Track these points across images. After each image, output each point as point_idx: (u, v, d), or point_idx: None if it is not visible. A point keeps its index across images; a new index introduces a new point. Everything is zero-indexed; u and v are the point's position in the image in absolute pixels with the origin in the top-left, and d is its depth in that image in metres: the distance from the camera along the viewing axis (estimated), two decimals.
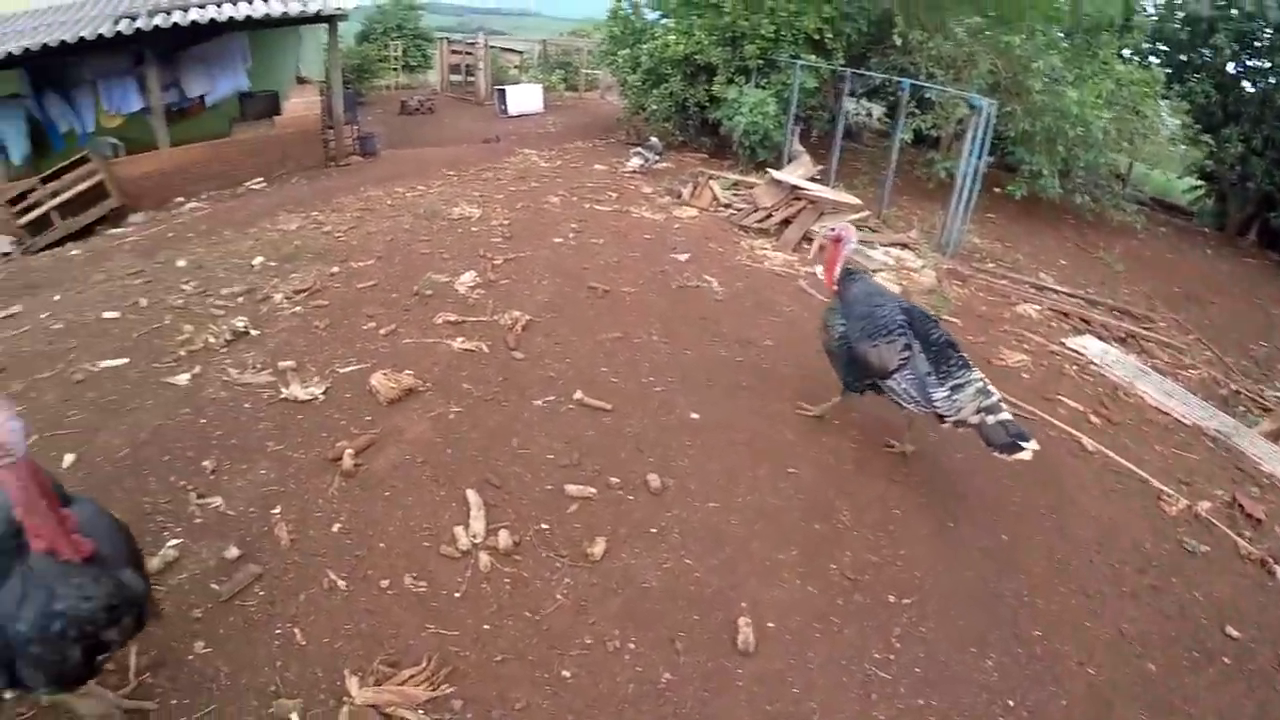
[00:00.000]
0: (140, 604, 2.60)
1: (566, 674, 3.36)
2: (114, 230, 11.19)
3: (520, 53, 28.46)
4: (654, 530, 4.23)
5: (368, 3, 27.13)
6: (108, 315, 6.62)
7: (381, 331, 6.09)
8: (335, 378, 5.40)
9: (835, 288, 5.02)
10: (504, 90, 20.90)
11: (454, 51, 25.96)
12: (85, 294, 7.40)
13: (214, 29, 12.65)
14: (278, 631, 3.45)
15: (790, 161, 12.58)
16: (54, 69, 13.04)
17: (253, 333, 6.08)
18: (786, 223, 10.12)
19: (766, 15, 13.04)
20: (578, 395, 5.32)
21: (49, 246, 11.11)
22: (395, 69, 26.75)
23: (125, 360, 5.76)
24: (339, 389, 5.28)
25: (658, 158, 12.82)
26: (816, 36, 13.29)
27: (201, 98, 14.01)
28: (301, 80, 15.66)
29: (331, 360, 5.63)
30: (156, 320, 6.41)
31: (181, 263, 7.93)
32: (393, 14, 27.28)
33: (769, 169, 11.71)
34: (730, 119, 13.20)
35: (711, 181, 11.77)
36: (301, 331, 6.11)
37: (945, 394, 4.54)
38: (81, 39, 11.44)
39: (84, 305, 7.01)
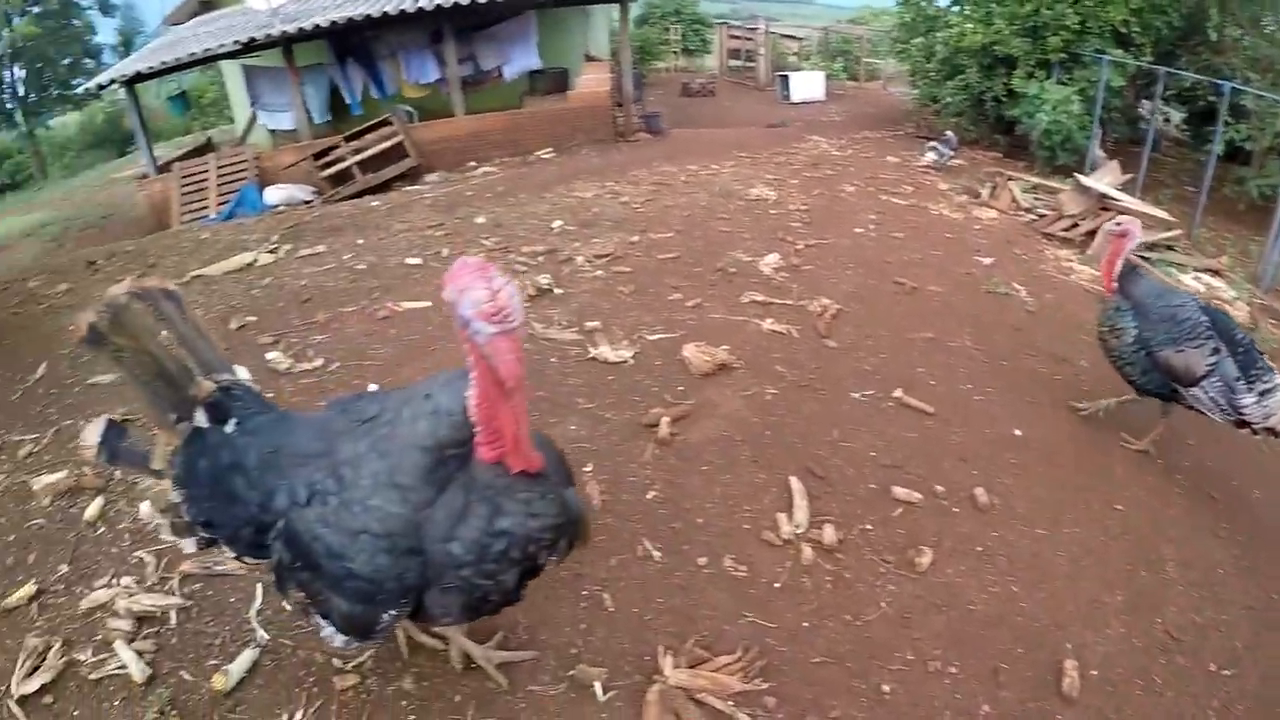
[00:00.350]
0: (579, 526, 2.36)
1: (885, 689, 3.02)
2: (411, 187, 11.76)
3: (799, 39, 27.78)
4: (980, 549, 3.78)
5: None
6: (410, 261, 6.84)
7: (688, 304, 5.83)
8: (644, 344, 5.19)
9: (1114, 286, 4.54)
10: (786, 76, 20.46)
11: (733, 36, 25.77)
12: (387, 240, 7.71)
13: (508, 7, 13.27)
14: (584, 593, 3.25)
15: (1093, 168, 11.57)
16: (357, 41, 14.02)
17: (556, 291, 6.02)
18: (1093, 234, 9.15)
19: (1070, 4, 11.95)
20: (898, 394, 4.85)
21: (349, 198, 11.87)
22: (674, 52, 26.92)
23: (428, 304, 5.88)
24: (648, 355, 5.07)
25: (952, 153, 11.98)
26: (1123, 29, 12.04)
27: (497, 70, 14.58)
28: (590, 58, 15.85)
29: (638, 326, 5.44)
30: None
31: (480, 220, 8.08)
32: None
33: (1076, 175, 10.69)
34: (1030, 117, 12.16)
35: (1011, 183, 10.98)
36: (606, 295, 5.97)
37: (1254, 400, 4.16)
38: (385, 14, 12.31)
39: (386, 250, 7.28)
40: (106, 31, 32.60)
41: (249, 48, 13.07)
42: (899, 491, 4.00)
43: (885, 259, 7.19)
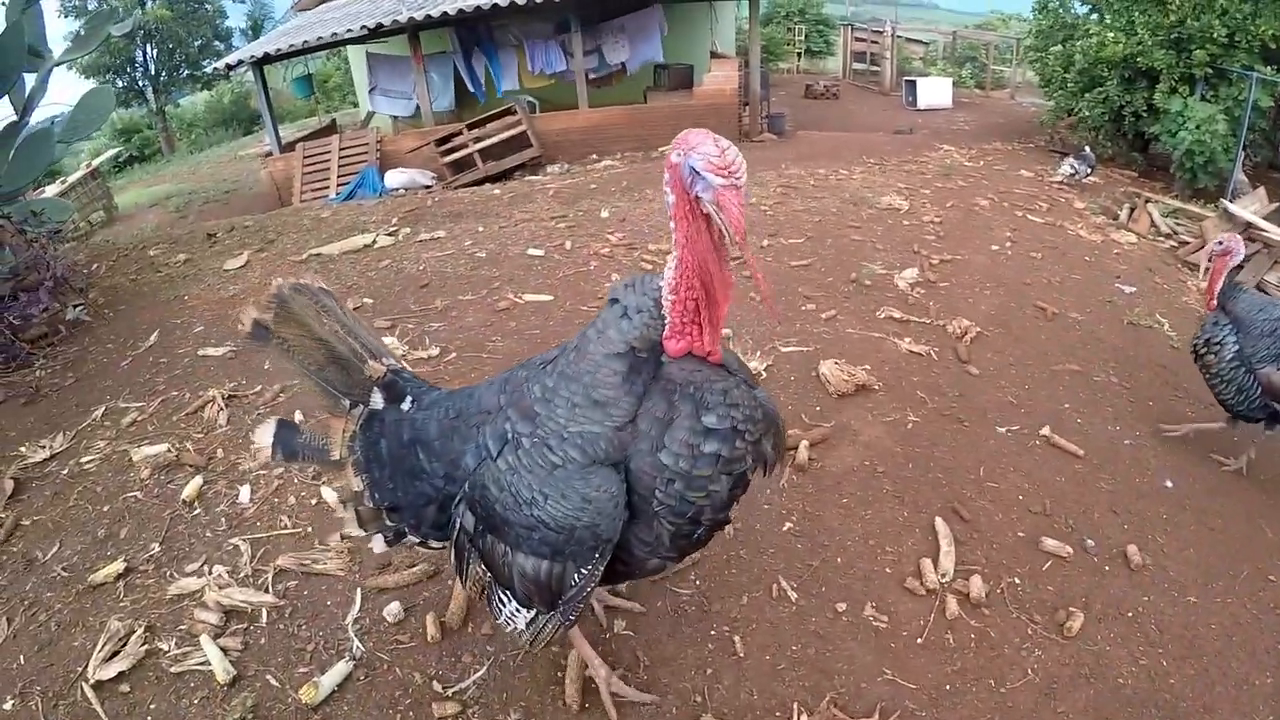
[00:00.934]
0: (778, 427, 2.19)
1: None
2: (532, 177, 11.68)
3: (925, 44, 27.17)
4: (1130, 614, 3.45)
5: None
6: (533, 252, 6.75)
7: (822, 316, 5.57)
8: (777, 356, 4.97)
9: (1214, 304, 4.38)
10: (914, 82, 19.87)
11: (858, 39, 25.20)
12: (508, 229, 7.63)
13: (636, 1, 13.10)
14: (712, 633, 3.04)
15: (1235, 192, 10.96)
16: (482, 30, 14.18)
17: None
18: (1240, 268, 8.55)
19: (1218, 16, 11.14)
20: (1045, 431, 4.51)
21: (469, 185, 11.93)
22: (798, 53, 26.53)
23: (550, 297, 5.80)
24: (782, 369, 4.84)
25: (1090, 170, 11.39)
26: (1273, 45, 11.21)
27: (622, 65, 14.49)
28: (716, 55, 15.62)
29: (770, 336, 5.21)
30: (582, 265, 6.42)
31: (604, 214, 7.95)
32: None
33: (1222, 201, 10.06)
34: (1172, 135, 11.51)
35: (1149, 205, 10.41)
36: (736, 300, 5.67)
37: None
38: (512, 3, 12.27)
39: (507, 240, 7.21)
40: (237, 16, 33.98)
41: (375, 33, 13.26)
42: (1049, 543, 3.70)
43: (1023, 280, 6.82)
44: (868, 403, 4.57)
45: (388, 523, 2.41)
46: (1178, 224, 10.09)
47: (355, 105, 19.85)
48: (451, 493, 2.26)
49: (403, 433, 2.35)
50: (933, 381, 4.88)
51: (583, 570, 2.07)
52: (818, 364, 4.79)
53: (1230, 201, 10.22)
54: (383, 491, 2.36)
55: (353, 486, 2.38)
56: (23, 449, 4.33)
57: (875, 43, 24.18)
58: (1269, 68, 11.43)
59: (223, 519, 3.65)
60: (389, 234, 7.76)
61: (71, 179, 16.69)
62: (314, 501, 3.73)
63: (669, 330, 1.96)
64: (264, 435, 2.38)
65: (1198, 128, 11.10)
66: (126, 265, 7.76)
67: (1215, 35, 11.15)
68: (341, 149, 13.49)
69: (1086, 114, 13.05)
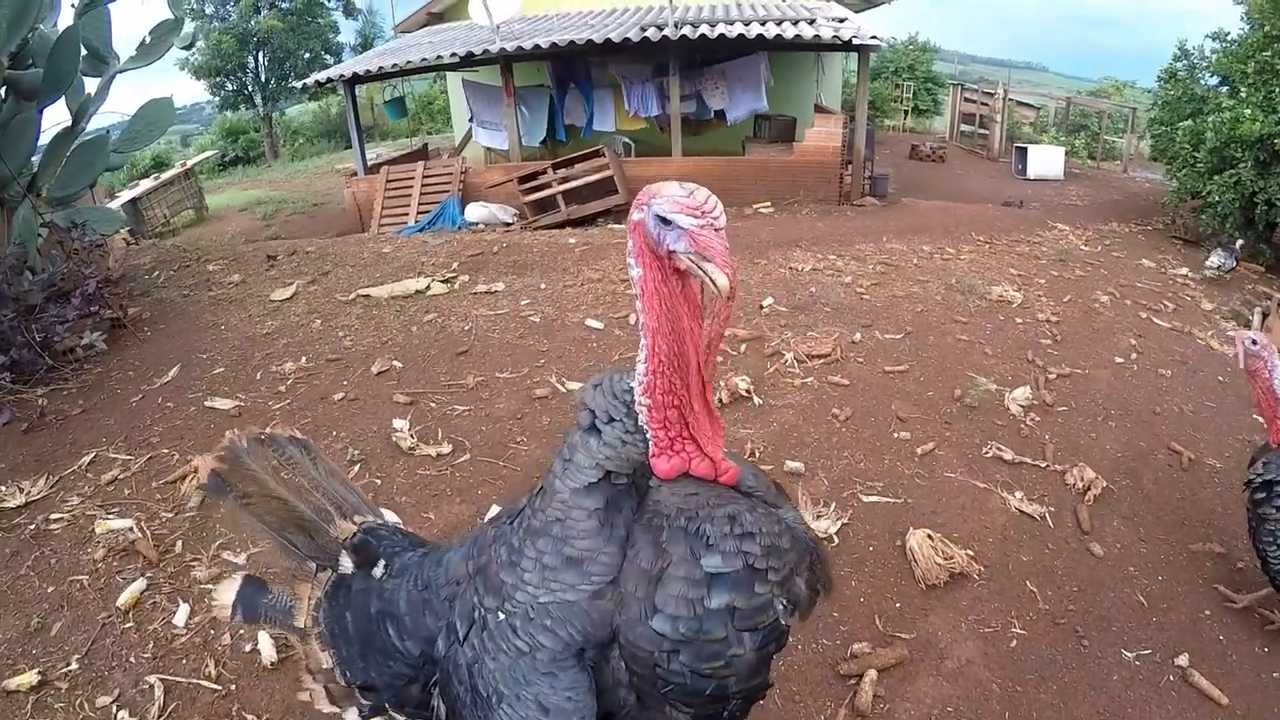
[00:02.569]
0: (816, 557, 1.69)
1: None
2: (615, 225, 11.11)
3: (1036, 109, 25.86)
4: None
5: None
6: (591, 324, 6.16)
7: (918, 450, 4.73)
8: (856, 507, 4.14)
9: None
10: (1025, 149, 18.77)
11: (967, 100, 24.09)
12: (572, 290, 7.04)
13: (739, 46, 12.39)
14: None
15: None
16: (578, 67, 13.90)
17: (755, 400, 5.10)
18: None
19: None
20: (1181, 661, 3.48)
21: (549, 227, 11.46)
22: (905, 110, 25.66)
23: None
24: (858, 529, 4.00)
25: (1235, 264, 10.33)
26: None
27: (720, 113, 13.86)
28: (820, 109, 14.87)
29: (851, 475, 4.41)
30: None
31: None
32: (905, 54, 26.50)
33: None
34: None
35: None
36: (815, 416, 5.00)
37: None
38: (609, 41, 11.83)
39: (567, 304, 6.67)
40: (348, 32, 34.85)
41: (466, 61, 13.00)
42: None
43: (1153, 408, 5.87)
44: (963, 599, 3.68)
45: (362, 700, 1.98)
46: None
47: (453, 130, 19.73)
48: (431, 673, 1.85)
49: (369, 605, 1.97)
50: (1047, 565, 3.97)
51: None
52: (907, 531, 3.93)
53: None
54: (354, 670, 1.97)
55: (321, 663, 2.00)
56: (2, 488, 4.22)
57: (985, 104, 23.03)
58: None
59: (151, 642, 3.26)
60: (444, 280, 7.25)
61: (165, 176, 16.93)
62: (247, 648, 3.21)
63: (654, 446, 1.54)
64: (227, 593, 2.05)
65: None
66: (184, 278, 7.60)
67: None
68: (425, 176, 13.14)
69: (1216, 199, 11.85)
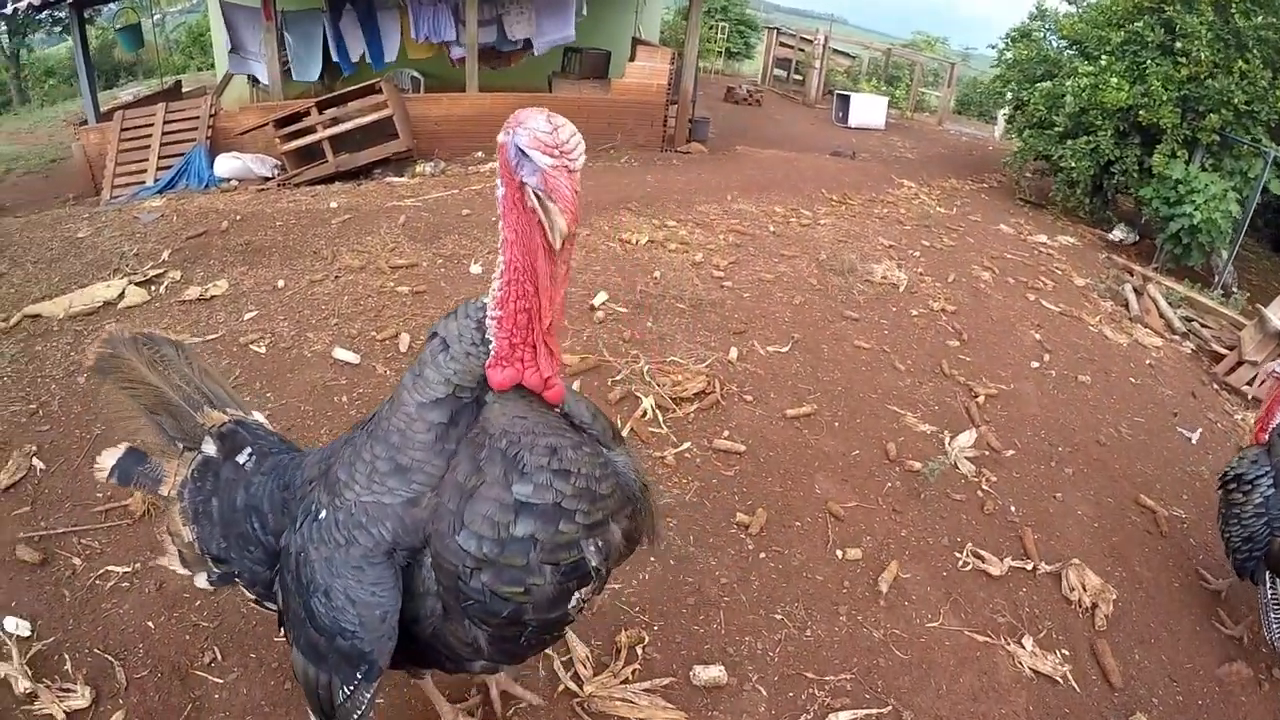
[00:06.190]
0: (636, 504, 1.75)
1: None
2: (395, 178, 9.03)
3: (852, 58, 25.26)
4: None
5: None
6: (341, 356, 4.26)
7: (881, 585, 3.11)
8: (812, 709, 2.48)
9: (1265, 436, 3.75)
10: (847, 97, 17.81)
11: (783, 44, 23.06)
12: (320, 289, 5.09)
13: None
14: None
15: (1225, 284, 9.73)
16: None
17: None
18: None
19: (1237, 79, 9.47)
20: None
21: (315, 182, 9.26)
22: (718, 53, 24.33)
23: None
24: None
25: (1137, 239, 10.34)
26: None
27: (525, 41, 11.76)
28: (640, 42, 13.11)
29: (800, 669, 2.73)
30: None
31: (475, 268, 5.30)
32: None
33: (1259, 307, 8.22)
34: (1168, 204, 9.68)
35: (1152, 289, 8.62)
36: (713, 533, 3.29)
37: None
38: None
39: (310, 314, 4.76)
40: None
41: None
42: None
43: (1095, 437, 4.84)
44: None
45: (214, 568, 2.08)
46: (1189, 319, 8.29)
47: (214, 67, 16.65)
48: None
49: (237, 497, 2.05)
50: None
51: (344, 687, 1.67)
52: None
53: (1222, 292, 9.14)
54: (213, 546, 2.06)
55: (182, 535, 2.08)
56: None
57: (803, 50, 22.16)
58: (1275, 144, 9.94)
59: None
60: (146, 281, 5.05)
61: None
62: None
63: (494, 357, 1.57)
64: (108, 458, 2.14)
65: (1207, 204, 9.36)
66: None
67: (1234, 100, 9.50)
68: (166, 122, 10.27)
69: (1071, 164, 11.08)
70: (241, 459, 2.08)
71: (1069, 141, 10.82)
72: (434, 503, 1.59)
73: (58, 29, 27.43)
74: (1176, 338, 7.66)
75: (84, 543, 2.98)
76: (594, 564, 1.64)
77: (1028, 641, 2.99)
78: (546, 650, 2.37)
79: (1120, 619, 3.36)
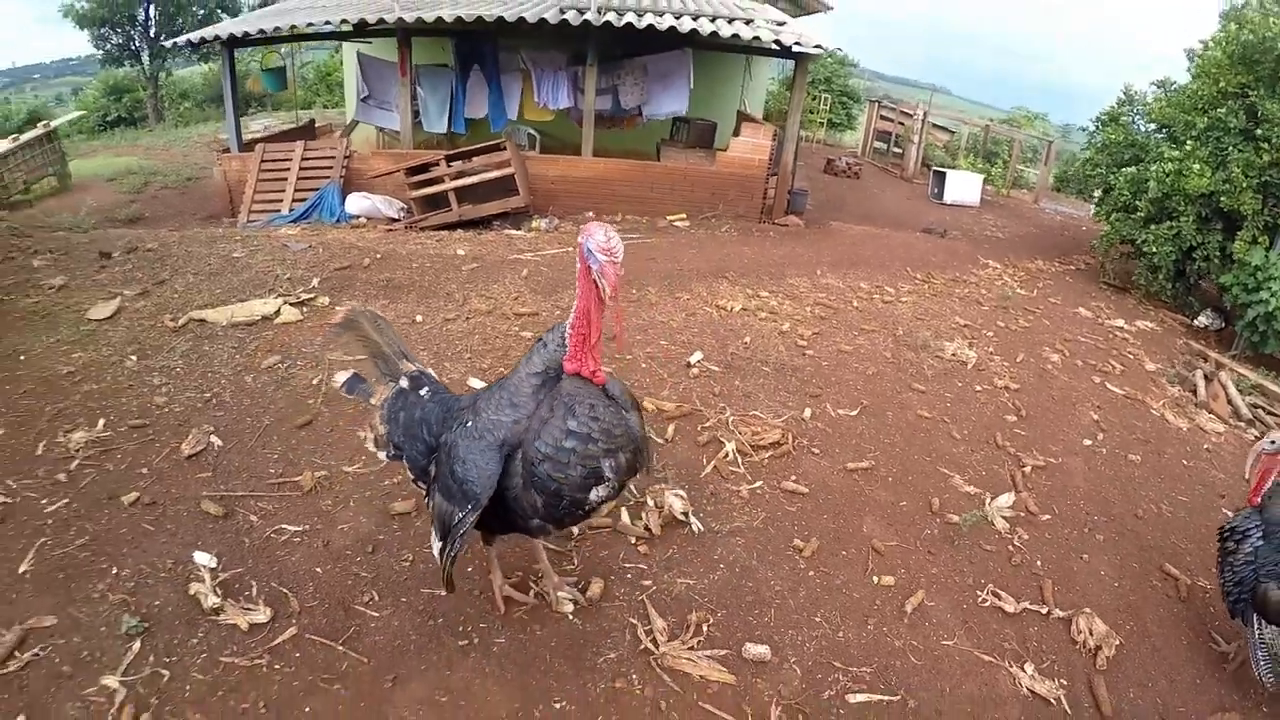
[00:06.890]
0: (638, 445, 2.83)
1: None
2: (513, 231, 9.86)
3: (951, 133, 25.50)
4: None
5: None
6: (476, 384, 4.94)
7: (907, 606, 3.70)
8: (842, 715, 3.06)
9: (1257, 500, 4.17)
10: (944, 174, 18.14)
11: (883, 118, 23.44)
12: (454, 327, 5.87)
13: (664, 41, 11.27)
14: None
15: None
16: (486, 48, 12.30)
17: (694, 525, 3.98)
18: None
19: None
20: None
21: (438, 228, 10.25)
22: (820, 123, 24.88)
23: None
24: None
25: (1223, 326, 10.36)
26: None
27: (638, 109, 12.59)
28: (744, 117, 13.82)
29: (829, 657, 3.35)
30: None
31: None
32: (822, 66, 25.14)
33: None
34: (1248, 293, 9.82)
35: (1223, 375, 8.72)
36: (772, 550, 3.94)
37: None
38: (521, 20, 10.32)
39: (448, 348, 5.55)
40: None
41: (360, 31, 11.46)
42: None
43: (1134, 510, 5.15)
44: None
45: (392, 450, 3.25)
46: (1256, 406, 8.41)
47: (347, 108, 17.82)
48: (435, 455, 3.05)
49: (415, 412, 3.19)
50: None
51: (460, 514, 2.75)
52: None
53: None
54: (396, 437, 3.23)
55: (379, 430, 3.26)
56: None
57: (903, 124, 22.53)
58: None
59: None
60: (299, 303, 5.91)
61: (24, 138, 14.65)
62: None
63: (568, 354, 2.66)
64: (342, 375, 3.40)
65: None
66: (4, 274, 6.17)
67: None
68: (304, 158, 11.48)
69: (1152, 249, 11.28)
70: (423, 392, 3.26)
71: (1152, 226, 11.02)
72: (526, 424, 2.67)
73: (195, 56, 29.17)
74: (1241, 424, 7.78)
75: (260, 505, 3.79)
76: (607, 474, 2.68)
77: (1029, 667, 3.48)
78: (574, 528, 3.68)
79: (1122, 662, 3.75)
